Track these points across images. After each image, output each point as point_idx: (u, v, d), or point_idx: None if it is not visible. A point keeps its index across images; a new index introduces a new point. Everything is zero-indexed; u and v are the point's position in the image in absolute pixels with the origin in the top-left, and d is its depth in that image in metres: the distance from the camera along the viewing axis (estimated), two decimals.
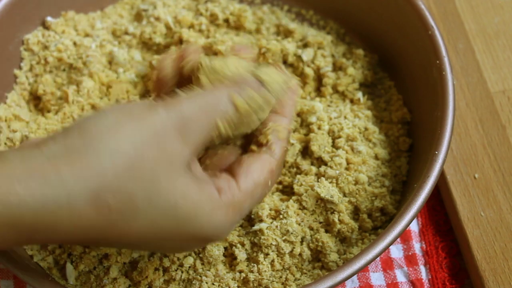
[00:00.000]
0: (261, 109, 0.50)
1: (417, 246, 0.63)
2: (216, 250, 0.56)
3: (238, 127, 0.49)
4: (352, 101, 0.65)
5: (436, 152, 0.56)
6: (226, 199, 0.47)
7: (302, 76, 0.66)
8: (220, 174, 0.49)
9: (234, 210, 0.47)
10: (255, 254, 0.57)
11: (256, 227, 0.57)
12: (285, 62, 0.67)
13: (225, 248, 0.58)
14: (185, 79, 0.54)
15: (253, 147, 0.52)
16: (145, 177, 0.43)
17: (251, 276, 0.56)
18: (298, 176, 0.61)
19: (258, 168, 0.50)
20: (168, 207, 0.44)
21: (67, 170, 0.42)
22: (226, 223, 0.47)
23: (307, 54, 0.66)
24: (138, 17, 0.70)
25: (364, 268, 0.52)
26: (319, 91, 0.66)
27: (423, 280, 0.62)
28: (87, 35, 0.69)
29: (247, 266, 0.57)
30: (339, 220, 0.58)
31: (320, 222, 0.58)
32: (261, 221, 0.58)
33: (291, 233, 0.57)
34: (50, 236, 0.43)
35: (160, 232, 0.45)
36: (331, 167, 0.60)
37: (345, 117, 0.63)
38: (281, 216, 0.58)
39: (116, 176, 0.42)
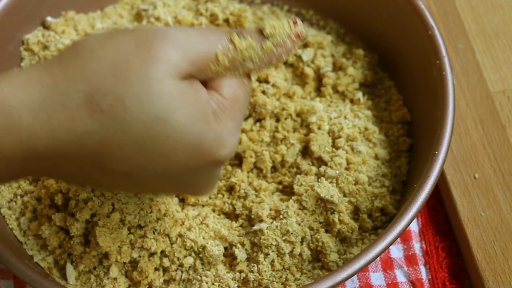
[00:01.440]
0: (260, 59, 0.49)
1: (417, 246, 0.63)
2: (216, 250, 0.56)
3: (237, 66, 0.48)
4: (352, 101, 0.65)
5: (436, 152, 0.56)
6: (216, 106, 0.46)
7: (302, 76, 0.66)
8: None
9: (227, 116, 0.47)
10: (255, 254, 0.57)
11: (256, 227, 0.57)
12: (285, 62, 0.67)
13: (225, 248, 0.58)
14: None
15: None
16: (132, 79, 0.43)
17: (251, 276, 0.56)
18: (298, 176, 0.61)
19: (228, 78, 0.48)
20: (161, 110, 0.43)
21: (60, 74, 0.44)
22: (223, 131, 0.46)
23: (307, 54, 0.66)
24: (138, 17, 0.70)
25: (364, 268, 0.52)
26: (319, 91, 0.66)
27: (423, 280, 0.62)
28: (87, 35, 0.69)
29: (247, 266, 0.57)
30: (339, 220, 0.58)
31: (320, 222, 0.58)
32: (261, 221, 0.58)
33: (291, 233, 0.57)
34: (50, 145, 0.44)
35: (157, 141, 0.44)
36: (331, 167, 0.60)
37: (345, 117, 0.63)
38: (281, 216, 0.58)
39: (104, 78, 0.43)
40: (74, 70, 0.44)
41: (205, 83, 0.48)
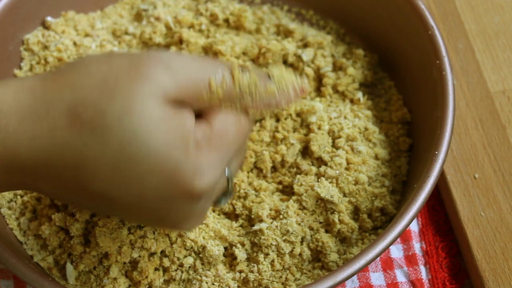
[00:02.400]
0: (261, 98, 0.48)
1: (417, 246, 0.63)
2: (216, 250, 0.57)
3: (234, 99, 0.48)
4: (352, 101, 0.65)
5: (436, 152, 0.56)
6: (200, 137, 0.46)
7: (302, 76, 0.66)
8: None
9: (211, 148, 0.46)
10: (255, 254, 0.57)
11: (256, 227, 0.57)
12: (285, 62, 0.67)
13: (225, 248, 0.58)
14: None
15: None
16: (116, 94, 0.43)
17: (251, 276, 0.56)
18: (298, 176, 0.61)
19: (224, 112, 0.48)
20: (138, 130, 0.43)
21: (51, 84, 0.45)
22: (203, 162, 0.45)
23: (307, 54, 0.66)
24: (138, 17, 0.70)
25: (364, 268, 0.52)
26: (319, 91, 0.66)
27: (423, 280, 0.62)
28: (87, 35, 0.69)
29: (247, 266, 0.57)
30: (339, 220, 0.58)
31: (320, 222, 0.58)
32: (261, 221, 0.58)
33: (291, 233, 0.57)
34: (32, 154, 0.44)
35: (132, 162, 0.43)
36: (331, 167, 0.60)
37: (345, 117, 0.63)
38: (281, 216, 0.58)
39: (90, 92, 0.44)
40: (65, 81, 0.45)
41: (201, 114, 0.47)
